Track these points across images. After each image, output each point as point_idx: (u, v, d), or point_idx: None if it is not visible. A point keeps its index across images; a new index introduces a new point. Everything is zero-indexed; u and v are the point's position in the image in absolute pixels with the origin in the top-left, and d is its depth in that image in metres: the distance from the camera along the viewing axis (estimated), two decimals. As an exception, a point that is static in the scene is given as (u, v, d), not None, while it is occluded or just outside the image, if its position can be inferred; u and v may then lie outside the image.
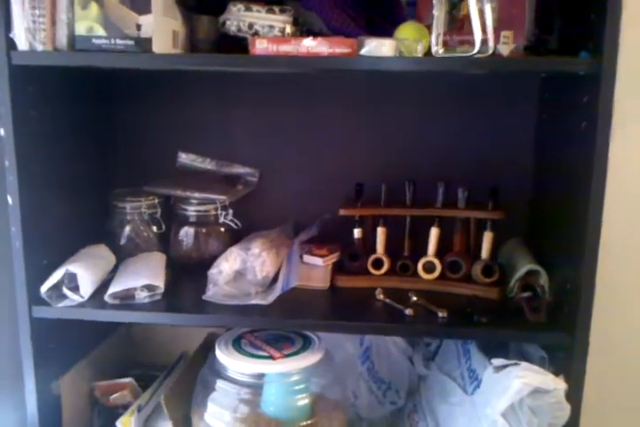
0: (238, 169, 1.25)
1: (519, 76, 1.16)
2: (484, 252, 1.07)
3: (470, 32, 0.85)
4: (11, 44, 0.91)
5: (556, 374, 0.88)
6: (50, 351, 1.05)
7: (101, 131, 1.23)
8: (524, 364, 0.88)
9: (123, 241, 1.17)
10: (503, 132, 1.19)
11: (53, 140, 1.04)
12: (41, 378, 1.03)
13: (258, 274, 1.05)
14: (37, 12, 0.90)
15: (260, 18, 0.98)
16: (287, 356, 1.02)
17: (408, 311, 0.98)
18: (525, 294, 1.01)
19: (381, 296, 1.04)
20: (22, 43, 0.91)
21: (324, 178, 1.24)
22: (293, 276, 1.08)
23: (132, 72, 1.13)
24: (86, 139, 1.17)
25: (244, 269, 1.06)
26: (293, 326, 1.04)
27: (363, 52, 0.88)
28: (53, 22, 0.91)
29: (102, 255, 1.11)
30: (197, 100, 1.24)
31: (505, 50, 0.93)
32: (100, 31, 0.90)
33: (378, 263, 1.11)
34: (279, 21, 0.98)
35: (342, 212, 1.10)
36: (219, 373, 1.04)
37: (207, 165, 1.25)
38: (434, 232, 1.09)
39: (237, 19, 0.99)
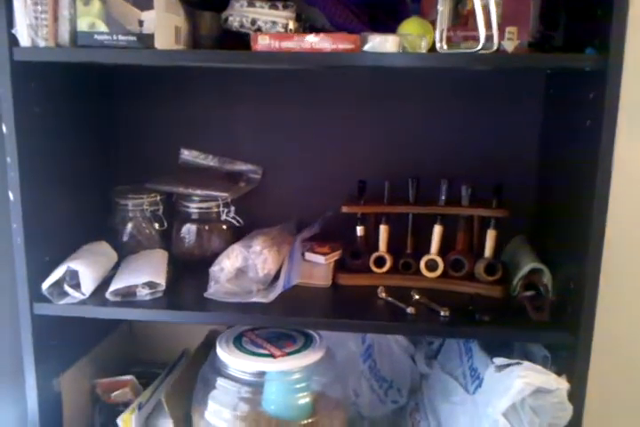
0: (241, 166, 1.25)
1: (524, 72, 1.15)
2: (488, 250, 1.06)
3: (475, 28, 0.84)
4: (13, 41, 0.91)
5: (559, 373, 0.88)
6: (51, 348, 1.05)
7: (103, 127, 1.22)
8: (526, 363, 0.88)
9: (124, 238, 1.17)
10: (507, 129, 1.18)
11: (55, 136, 1.04)
12: (42, 375, 1.03)
13: (259, 272, 1.05)
14: (39, 8, 0.90)
15: (263, 14, 0.98)
16: (288, 354, 1.01)
17: (410, 310, 0.97)
18: (528, 293, 1.00)
19: (383, 294, 1.03)
20: (24, 39, 0.90)
21: (326, 175, 1.23)
22: (295, 273, 1.08)
23: (134, 68, 1.13)
24: (88, 135, 1.17)
25: (245, 266, 1.05)
26: (295, 324, 1.03)
27: (366, 48, 0.88)
28: (55, 18, 0.91)
29: (104, 252, 1.11)
30: (200, 97, 1.23)
31: (509, 46, 0.93)
32: (103, 27, 0.90)
33: (380, 261, 1.10)
34: (282, 17, 0.98)
35: (345, 209, 1.10)
36: (219, 371, 1.03)
37: (209, 161, 1.25)
38: (437, 230, 1.09)
39: (240, 15, 0.98)
